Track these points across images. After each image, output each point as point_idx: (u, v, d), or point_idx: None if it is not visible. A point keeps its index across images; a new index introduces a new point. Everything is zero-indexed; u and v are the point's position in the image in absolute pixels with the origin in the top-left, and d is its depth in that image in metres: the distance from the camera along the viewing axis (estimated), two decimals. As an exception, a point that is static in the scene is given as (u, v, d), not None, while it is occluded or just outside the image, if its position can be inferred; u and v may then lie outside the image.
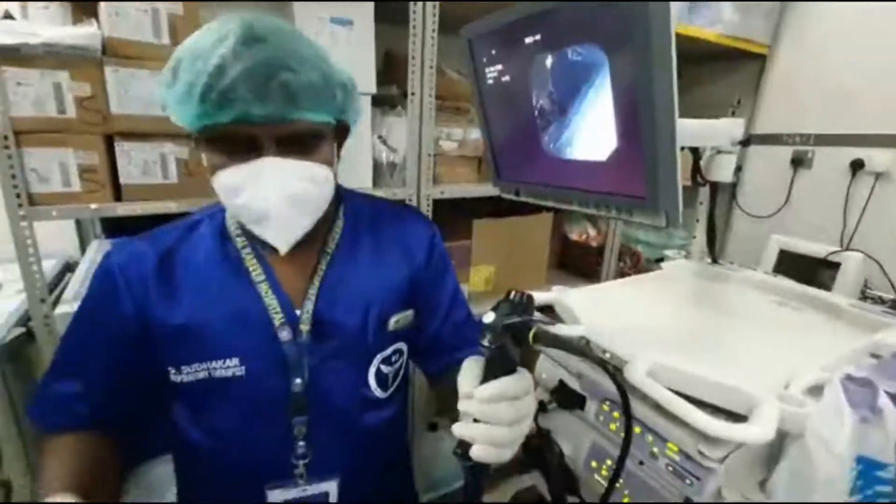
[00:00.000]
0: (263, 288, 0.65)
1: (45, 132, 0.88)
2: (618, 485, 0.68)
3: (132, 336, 0.64)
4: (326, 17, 1.08)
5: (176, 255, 0.66)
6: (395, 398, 0.77)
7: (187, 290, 0.65)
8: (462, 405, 0.49)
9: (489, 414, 0.47)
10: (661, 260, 1.60)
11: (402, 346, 0.75)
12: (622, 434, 0.59)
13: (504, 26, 0.75)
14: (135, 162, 0.94)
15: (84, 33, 0.84)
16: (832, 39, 1.71)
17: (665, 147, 0.56)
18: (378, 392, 0.72)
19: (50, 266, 1.30)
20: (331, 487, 0.69)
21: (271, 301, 0.65)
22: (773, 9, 1.79)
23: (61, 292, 1.07)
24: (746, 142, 0.85)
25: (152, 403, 0.69)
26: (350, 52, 1.11)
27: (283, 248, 0.62)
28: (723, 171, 0.85)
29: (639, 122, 0.58)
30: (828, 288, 1.28)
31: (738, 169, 1.98)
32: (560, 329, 0.73)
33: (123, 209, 0.94)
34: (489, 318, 0.49)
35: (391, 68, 1.39)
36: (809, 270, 1.49)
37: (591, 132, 0.67)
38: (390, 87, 1.37)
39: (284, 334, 0.65)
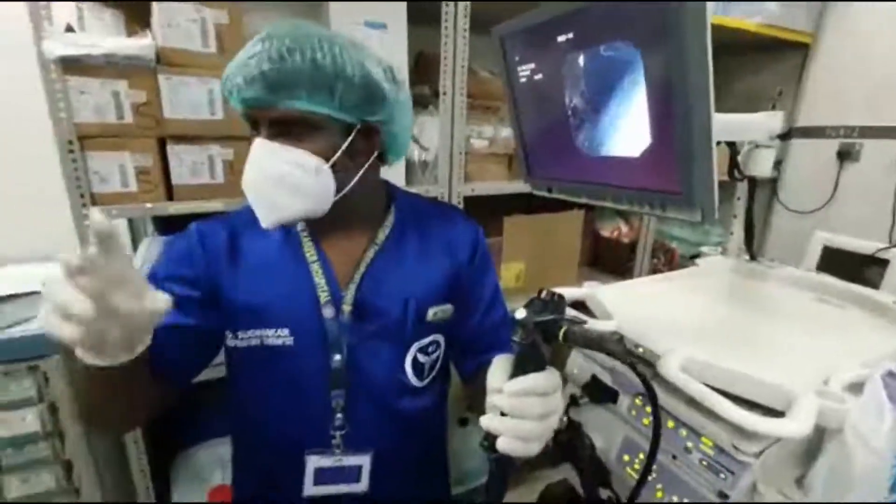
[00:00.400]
0: (315, 268, 0.71)
1: (106, 137, 0.95)
2: (651, 478, 0.70)
3: (193, 296, 0.69)
4: (361, 20, 1.11)
5: (244, 234, 0.72)
6: (433, 389, 0.80)
7: (250, 265, 0.71)
8: (491, 399, 0.51)
9: (517, 408, 0.48)
10: (696, 256, 1.57)
11: (440, 337, 0.78)
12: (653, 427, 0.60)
13: (536, 25, 0.76)
14: (185, 163, 1.01)
15: (140, 44, 0.91)
16: (879, 28, 1.64)
17: (700, 142, 0.57)
18: (414, 380, 0.75)
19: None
20: (364, 461, 0.73)
21: (320, 280, 0.70)
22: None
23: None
24: (786, 135, 0.83)
25: (196, 366, 0.73)
26: (384, 54, 1.13)
27: (266, 224, 0.66)
28: (761, 165, 0.84)
29: (673, 117, 0.58)
30: (875, 286, 1.23)
31: (779, 163, 1.92)
32: (592, 324, 0.75)
33: (175, 208, 1.01)
34: (521, 314, 0.50)
35: (422, 68, 1.42)
36: (855, 268, 1.43)
37: (625, 129, 0.67)
38: (422, 87, 1.40)
39: (328, 311, 0.70)
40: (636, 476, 0.71)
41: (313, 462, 0.71)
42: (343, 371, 0.70)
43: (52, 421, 1.03)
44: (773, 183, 1.95)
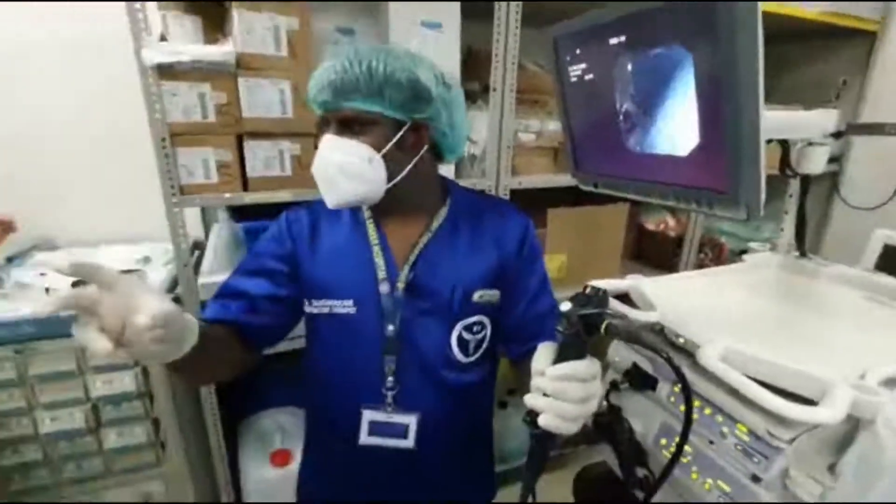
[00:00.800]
0: (376, 249, 0.81)
1: (192, 134, 1.07)
2: (687, 460, 0.73)
3: (284, 270, 0.82)
4: (418, 20, 1.18)
5: (323, 220, 0.85)
6: (479, 367, 0.87)
7: (325, 245, 0.83)
8: (535, 381, 0.56)
9: (559, 390, 0.54)
10: (745, 252, 1.55)
11: (485, 319, 0.84)
12: (693, 415, 0.64)
13: (590, 28, 0.80)
14: (259, 158, 1.12)
15: (222, 51, 1.01)
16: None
17: (748, 142, 0.59)
18: (459, 355, 0.83)
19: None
20: (411, 421, 0.82)
21: (379, 260, 0.80)
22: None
23: (196, 266, 1.29)
24: (840, 134, 0.82)
25: (280, 330, 0.86)
26: (438, 52, 1.20)
27: (330, 205, 0.77)
28: (814, 163, 0.84)
29: (722, 117, 0.61)
30: None
31: (834, 160, 1.84)
32: (634, 315, 0.79)
33: (250, 198, 1.12)
34: (566, 307, 0.55)
35: (472, 64, 1.46)
36: None
37: (674, 128, 0.70)
38: (472, 83, 1.45)
39: (384, 287, 0.79)
40: (670, 455, 0.75)
41: (368, 415, 0.82)
42: (395, 340, 0.80)
43: (144, 383, 1.18)
44: (833, 177, 1.88)
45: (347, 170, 0.73)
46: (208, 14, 1.28)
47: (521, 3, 1.24)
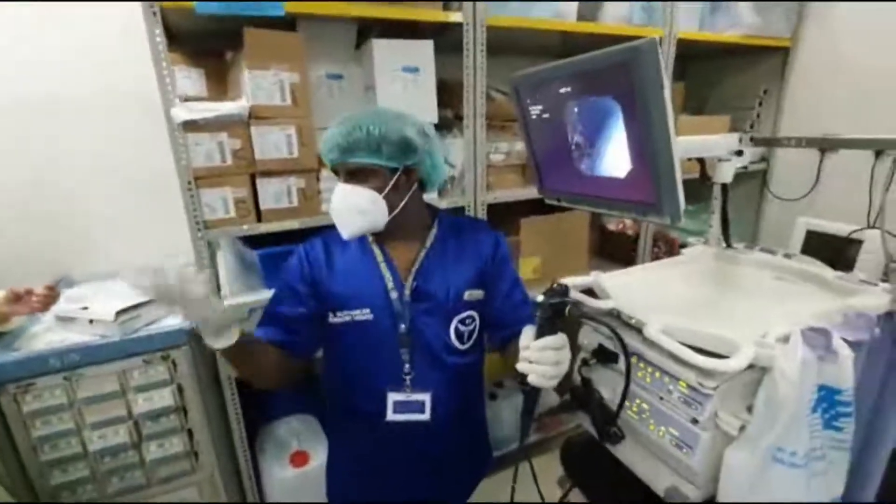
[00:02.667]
0: (383, 266, 0.99)
1: (213, 176, 1.23)
2: (644, 416, 0.93)
3: (309, 292, 0.99)
4: (399, 66, 1.37)
5: (334, 247, 1.03)
6: (471, 353, 1.06)
7: (340, 267, 1.00)
8: (522, 353, 0.77)
9: (540, 357, 0.75)
10: (684, 246, 1.78)
11: (474, 313, 1.04)
12: (646, 379, 0.85)
13: (542, 79, 1.01)
14: (269, 193, 1.28)
15: (238, 106, 1.18)
16: (855, 27, 1.81)
17: (665, 168, 0.80)
18: (457, 343, 1.02)
19: (191, 272, 1.68)
20: (426, 398, 1.01)
21: (387, 274, 0.99)
22: (791, 8, 1.92)
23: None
24: (740, 152, 1.05)
25: (315, 342, 1.03)
26: (417, 92, 1.39)
27: (345, 236, 0.95)
28: (724, 174, 1.06)
29: (644, 149, 0.82)
30: (852, 265, 1.39)
31: (763, 159, 2.10)
32: (595, 304, 0.99)
33: (264, 228, 1.29)
34: (540, 299, 0.77)
35: (444, 94, 1.64)
36: (835, 250, 1.58)
37: (612, 156, 0.91)
38: (444, 111, 1.64)
39: (394, 295, 0.98)
40: (635, 416, 0.94)
41: (392, 397, 1.00)
42: (406, 335, 0.98)
43: (180, 398, 1.31)
44: (763, 175, 2.15)
45: (357, 208, 0.93)
46: (209, 65, 1.44)
47: (484, 36, 1.44)
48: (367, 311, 0.97)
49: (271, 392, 1.70)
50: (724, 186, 1.17)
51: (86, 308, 1.23)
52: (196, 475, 1.41)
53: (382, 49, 1.33)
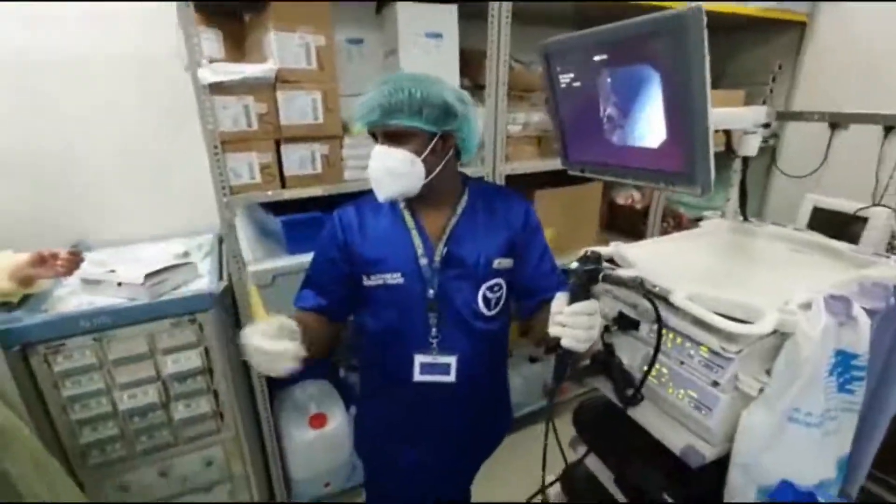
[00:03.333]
0: (413, 233, 1.01)
1: (239, 141, 1.22)
2: (663, 380, 0.97)
3: (343, 257, 1.02)
4: (422, 31, 1.35)
5: (367, 213, 1.04)
6: (497, 320, 1.09)
7: (372, 232, 1.02)
8: (555, 317, 0.80)
9: (574, 322, 0.78)
10: (700, 219, 1.82)
11: (502, 281, 1.06)
12: (667, 344, 0.88)
13: (577, 46, 1.00)
14: (293, 159, 1.28)
15: (265, 68, 1.16)
16: (868, 5, 1.82)
17: (701, 137, 0.81)
18: (484, 309, 1.05)
19: (209, 239, 1.68)
20: (452, 360, 1.04)
21: (417, 240, 1.00)
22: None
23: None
24: (768, 125, 1.06)
25: (351, 303, 1.06)
26: (440, 59, 1.38)
27: (381, 198, 0.97)
28: (749, 147, 1.08)
29: (682, 119, 0.83)
30: (856, 241, 1.43)
31: (773, 136, 2.11)
32: (619, 272, 1.02)
33: (288, 194, 1.29)
34: (574, 265, 0.79)
35: (464, 63, 1.64)
36: (840, 226, 1.61)
37: (646, 127, 0.92)
38: (463, 80, 1.63)
39: (424, 261, 1.00)
40: (655, 380, 0.99)
41: (419, 359, 1.03)
42: (435, 300, 1.01)
43: (206, 360, 1.34)
44: (772, 151, 2.17)
45: (395, 171, 0.93)
46: (227, 27, 1.41)
47: (511, 5, 1.42)
48: (398, 275, 1.00)
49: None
50: (745, 160, 1.19)
51: (113, 271, 1.24)
52: (221, 434, 1.45)
53: (407, 12, 1.31)
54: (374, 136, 0.97)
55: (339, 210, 1.06)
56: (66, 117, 1.57)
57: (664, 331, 0.99)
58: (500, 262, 1.05)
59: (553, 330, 0.80)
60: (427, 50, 1.37)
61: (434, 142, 0.94)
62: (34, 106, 1.53)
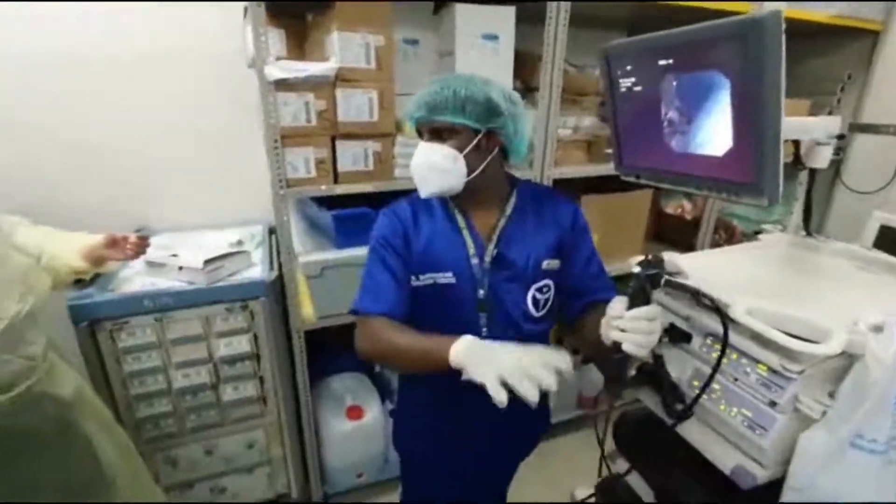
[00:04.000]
0: (465, 232, 1.01)
1: (297, 136, 1.27)
2: (715, 396, 0.94)
3: (405, 250, 1.00)
4: (479, 33, 1.36)
5: (420, 211, 1.05)
6: (545, 321, 1.08)
7: (425, 231, 1.02)
8: (614, 322, 0.79)
9: (634, 327, 0.76)
10: (759, 232, 1.75)
11: (550, 283, 1.06)
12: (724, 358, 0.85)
13: (641, 49, 0.98)
14: (347, 155, 1.32)
15: (327, 67, 1.21)
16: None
17: (771, 146, 0.78)
18: (533, 311, 1.05)
19: (259, 229, 1.75)
20: None
21: (468, 240, 1.01)
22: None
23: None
24: (842, 136, 1.01)
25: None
26: (495, 61, 1.38)
27: (423, 194, 0.98)
28: (820, 159, 1.03)
29: (752, 126, 0.80)
30: None
31: (838, 149, 2.01)
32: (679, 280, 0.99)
33: (340, 189, 1.33)
34: (636, 269, 0.78)
35: (518, 66, 1.63)
36: None
37: (711, 133, 0.89)
38: (514, 82, 1.62)
39: (475, 261, 1.00)
40: (705, 396, 0.95)
41: None
42: (485, 300, 1.01)
43: (255, 346, 1.40)
44: (836, 165, 2.06)
45: (437, 167, 0.94)
46: (289, 26, 1.46)
47: (570, 5, 1.41)
48: (450, 274, 1.00)
49: (327, 350, 1.77)
50: (812, 172, 1.14)
51: (175, 256, 1.31)
52: (264, 419, 1.50)
53: (465, 13, 1.33)
54: (420, 133, 0.99)
55: (393, 205, 1.06)
56: (131, 111, 1.67)
57: (718, 346, 0.96)
58: (549, 264, 1.04)
59: (613, 335, 0.79)
60: (483, 52, 1.38)
61: (478, 139, 0.95)
62: (103, 101, 1.63)
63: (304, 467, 1.70)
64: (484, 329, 1.02)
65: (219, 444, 1.49)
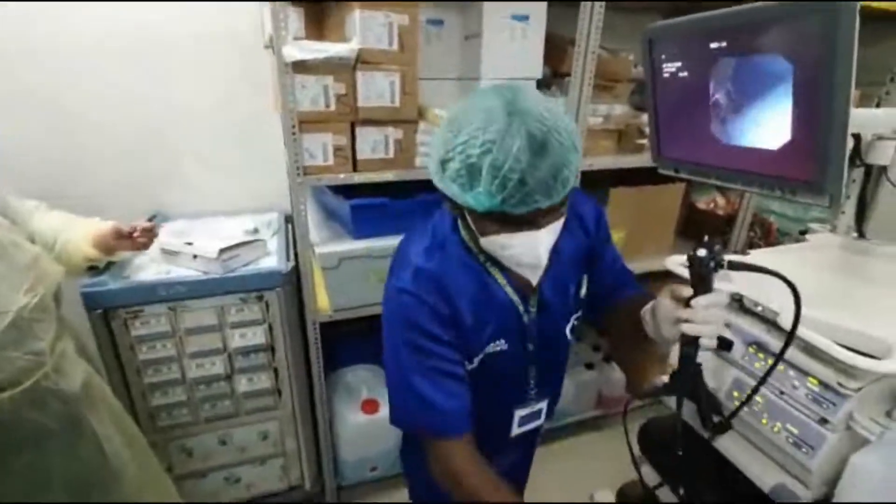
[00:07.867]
0: (508, 289, 0.86)
1: (315, 121, 1.21)
2: (756, 408, 0.87)
3: (452, 334, 0.81)
4: (509, 14, 1.28)
5: (448, 278, 0.81)
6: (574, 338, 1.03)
7: (464, 300, 0.82)
8: (677, 313, 0.72)
9: (707, 316, 0.70)
10: (805, 232, 1.65)
11: (583, 303, 0.99)
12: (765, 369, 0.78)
13: (689, 31, 0.90)
14: (367, 142, 1.26)
15: (348, 48, 1.14)
16: None
17: (837, 140, 0.70)
18: (571, 338, 0.99)
19: (275, 217, 1.71)
20: (543, 405, 1.00)
21: (513, 297, 0.87)
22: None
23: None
24: None
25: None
26: (525, 43, 1.31)
27: (534, 282, 0.85)
28: (882, 155, 0.94)
29: (816, 118, 0.72)
30: None
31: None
32: (717, 283, 0.92)
33: (359, 178, 1.27)
34: (701, 252, 0.71)
35: (547, 50, 1.54)
36: None
37: (767, 125, 0.81)
38: (545, 68, 1.54)
39: (525, 317, 0.89)
40: (745, 409, 0.89)
41: (518, 413, 0.97)
42: (534, 352, 0.93)
43: (270, 337, 1.37)
44: (883, 160, 1.93)
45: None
46: (307, 6, 1.40)
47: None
48: (502, 342, 0.87)
49: (343, 341, 1.74)
50: (869, 168, 1.04)
51: (190, 243, 1.27)
52: (278, 411, 1.48)
53: (494, -9, 1.25)
54: (507, 217, 0.71)
55: (405, 277, 0.80)
56: (146, 95, 1.63)
57: (761, 355, 0.89)
58: (583, 284, 0.97)
59: (686, 328, 0.71)
60: (512, 34, 1.30)
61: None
62: (119, 85, 1.59)
63: (317, 459, 1.68)
64: (533, 380, 0.96)
65: (233, 435, 1.47)
